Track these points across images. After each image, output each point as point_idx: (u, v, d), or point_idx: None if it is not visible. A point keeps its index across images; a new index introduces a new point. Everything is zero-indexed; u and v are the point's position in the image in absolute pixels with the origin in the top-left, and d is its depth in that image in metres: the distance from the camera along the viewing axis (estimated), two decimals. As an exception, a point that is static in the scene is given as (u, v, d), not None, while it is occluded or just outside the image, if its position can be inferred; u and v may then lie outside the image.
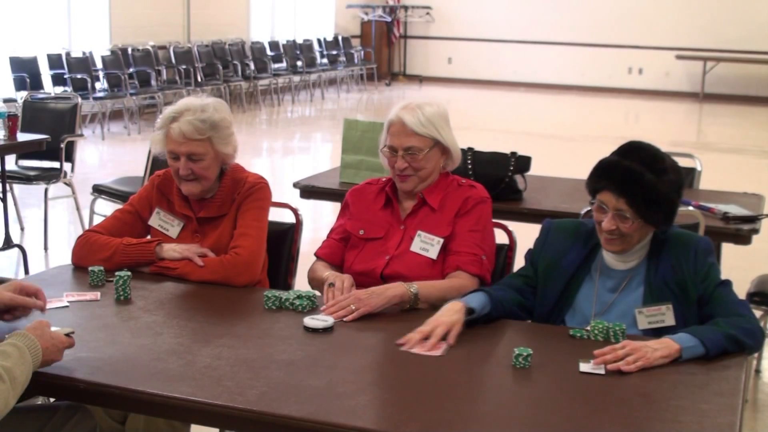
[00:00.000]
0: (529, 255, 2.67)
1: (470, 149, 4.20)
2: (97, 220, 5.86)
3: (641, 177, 2.39)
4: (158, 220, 2.90)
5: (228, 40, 13.87)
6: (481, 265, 2.72)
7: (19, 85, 10.09)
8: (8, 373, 1.87)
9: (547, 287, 2.57)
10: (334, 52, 16.08)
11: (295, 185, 4.42)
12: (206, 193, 2.86)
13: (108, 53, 11.43)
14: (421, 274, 2.67)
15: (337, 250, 2.86)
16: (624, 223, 2.41)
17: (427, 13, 17.89)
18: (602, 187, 2.44)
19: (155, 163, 5.23)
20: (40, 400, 2.51)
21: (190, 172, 2.77)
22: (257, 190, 2.87)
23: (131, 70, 11.48)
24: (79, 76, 10.58)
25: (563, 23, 16.94)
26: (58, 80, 10.65)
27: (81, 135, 6.53)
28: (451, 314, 2.35)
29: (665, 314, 2.42)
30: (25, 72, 10.22)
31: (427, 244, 2.74)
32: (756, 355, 4.27)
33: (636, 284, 2.50)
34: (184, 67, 12.23)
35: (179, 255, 2.75)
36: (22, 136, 5.69)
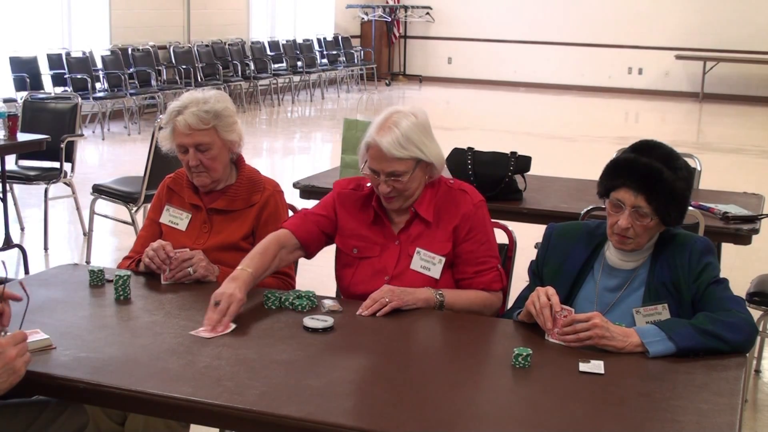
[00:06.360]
0: (533, 266, 2.66)
1: (470, 149, 4.20)
2: (98, 220, 5.87)
3: (661, 174, 2.39)
4: (168, 216, 2.97)
5: (228, 40, 13.87)
6: (501, 277, 2.72)
7: (19, 85, 10.09)
8: None
9: None
10: (334, 52, 16.08)
11: (295, 185, 4.42)
12: (218, 184, 2.93)
13: (108, 53, 11.43)
14: None
15: (311, 227, 2.72)
16: (641, 220, 2.41)
17: (427, 13, 17.88)
18: (619, 185, 2.43)
19: (156, 163, 5.24)
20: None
21: (200, 163, 2.85)
22: (280, 206, 2.96)
23: (131, 70, 11.48)
24: (79, 76, 10.58)
25: (563, 23, 16.94)
26: (58, 80, 10.65)
27: (81, 135, 6.53)
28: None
29: (661, 314, 2.41)
30: (25, 72, 10.23)
31: (427, 263, 2.66)
32: (756, 355, 4.27)
33: (638, 285, 2.50)
34: (184, 67, 12.23)
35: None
36: (22, 136, 5.70)
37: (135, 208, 5.42)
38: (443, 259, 2.65)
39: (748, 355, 2.29)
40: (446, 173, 2.90)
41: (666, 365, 2.19)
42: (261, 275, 2.58)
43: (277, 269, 2.69)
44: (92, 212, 5.70)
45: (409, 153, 2.58)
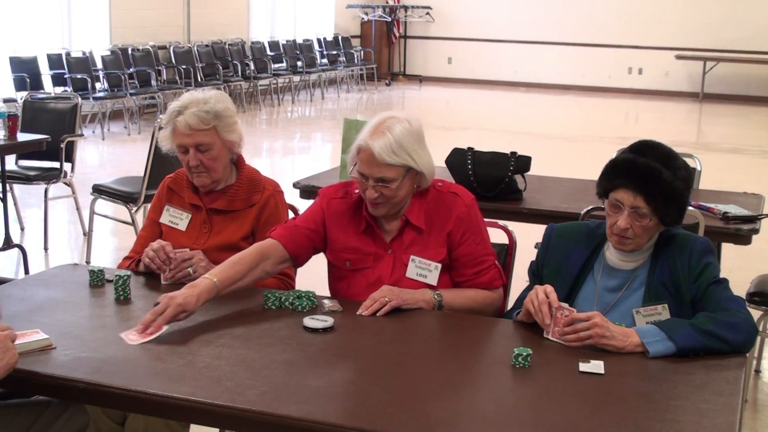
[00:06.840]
0: (532, 267, 2.66)
1: (470, 149, 4.20)
2: (97, 220, 5.87)
3: (659, 174, 2.39)
4: (168, 216, 2.98)
5: (228, 40, 13.87)
6: (501, 274, 2.72)
7: (19, 85, 10.09)
8: None
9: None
10: (334, 52, 16.08)
11: (295, 185, 4.42)
12: (218, 184, 2.94)
13: (108, 53, 11.43)
14: None
15: (301, 240, 2.67)
16: (640, 221, 2.41)
17: (427, 13, 17.88)
18: (618, 185, 2.43)
19: (156, 163, 5.24)
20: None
21: (200, 164, 2.86)
22: (280, 206, 2.95)
23: (131, 70, 11.48)
24: (79, 76, 10.58)
25: (563, 23, 16.94)
26: (58, 80, 10.65)
27: (81, 135, 6.54)
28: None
29: (662, 314, 2.42)
30: (25, 72, 10.23)
31: (423, 270, 2.62)
32: (756, 355, 4.27)
33: (638, 285, 2.50)
34: (184, 67, 12.23)
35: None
36: (22, 136, 5.70)
37: (135, 208, 5.42)
38: (439, 266, 2.63)
39: (748, 355, 2.29)
40: (439, 174, 2.85)
41: (666, 365, 2.19)
42: (229, 285, 2.49)
43: (257, 280, 2.62)
44: (92, 212, 5.70)
45: (400, 160, 2.53)
